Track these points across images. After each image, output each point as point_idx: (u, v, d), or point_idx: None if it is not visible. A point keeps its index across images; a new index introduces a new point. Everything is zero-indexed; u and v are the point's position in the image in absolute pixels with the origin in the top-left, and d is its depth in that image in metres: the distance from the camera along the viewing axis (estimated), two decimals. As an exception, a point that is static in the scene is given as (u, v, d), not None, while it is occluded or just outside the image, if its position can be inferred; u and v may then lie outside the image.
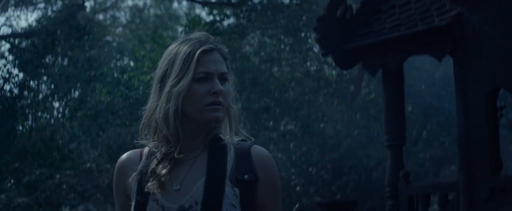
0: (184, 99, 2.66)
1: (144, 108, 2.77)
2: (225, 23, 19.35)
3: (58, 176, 16.48)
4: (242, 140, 2.79)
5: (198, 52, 2.68)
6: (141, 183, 2.71)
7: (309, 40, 19.78)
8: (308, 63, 20.04)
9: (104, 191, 16.99)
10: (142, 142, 2.81)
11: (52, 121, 18.44)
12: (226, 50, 2.77)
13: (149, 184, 2.67)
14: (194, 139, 2.74)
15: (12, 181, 17.22)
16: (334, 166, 18.52)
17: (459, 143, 7.71)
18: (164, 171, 2.68)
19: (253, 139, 2.79)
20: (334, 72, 20.77)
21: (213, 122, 2.72)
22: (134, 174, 2.75)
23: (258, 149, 2.75)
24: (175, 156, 2.69)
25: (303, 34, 19.77)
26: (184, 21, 21.09)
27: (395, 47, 8.09)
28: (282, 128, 18.72)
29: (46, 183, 16.29)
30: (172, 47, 2.76)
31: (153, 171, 2.69)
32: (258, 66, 18.95)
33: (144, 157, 2.79)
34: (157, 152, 2.74)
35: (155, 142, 2.76)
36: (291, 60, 19.63)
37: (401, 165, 8.09)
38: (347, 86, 19.61)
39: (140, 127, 2.78)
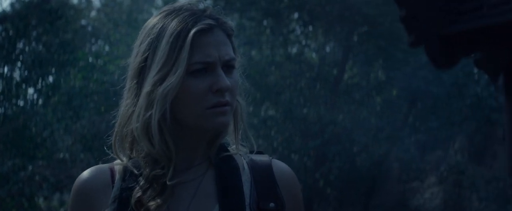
0: (174, 101, 1.83)
1: (114, 112, 1.95)
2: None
3: (30, 167, 15.96)
4: (256, 152, 2.00)
5: (191, 32, 1.84)
6: None
7: (291, 22, 19.39)
8: (289, 46, 19.67)
9: (78, 181, 16.58)
10: (115, 156, 1.96)
11: (27, 107, 17.95)
12: (231, 23, 1.93)
13: None
14: (193, 151, 1.92)
15: (-17, 173, 16.69)
16: (318, 152, 18.06)
17: None
18: (158, 201, 1.84)
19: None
20: (314, 55, 20.38)
21: (218, 129, 1.91)
22: (108, 201, 1.89)
23: (281, 167, 1.98)
24: (168, 182, 1.85)
25: (284, 16, 19.35)
26: (159, 4, 20.70)
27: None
28: (262, 113, 18.28)
29: (19, 174, 15.75)
30: (153, 23, 1.89)
31: (139, 201, 1.84)
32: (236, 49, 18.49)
33: (117, 176, 1.92)
34: (139, 172, 1.88)
35: (134, 159, 1.91)
36: (272, 43, 19.19)
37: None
38: (330, 70, 19.23)
39: (113, 140, 1.93)
